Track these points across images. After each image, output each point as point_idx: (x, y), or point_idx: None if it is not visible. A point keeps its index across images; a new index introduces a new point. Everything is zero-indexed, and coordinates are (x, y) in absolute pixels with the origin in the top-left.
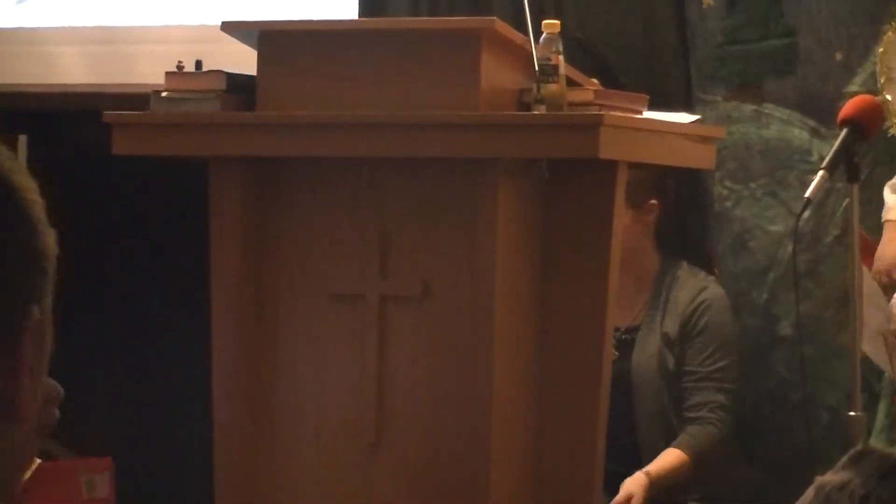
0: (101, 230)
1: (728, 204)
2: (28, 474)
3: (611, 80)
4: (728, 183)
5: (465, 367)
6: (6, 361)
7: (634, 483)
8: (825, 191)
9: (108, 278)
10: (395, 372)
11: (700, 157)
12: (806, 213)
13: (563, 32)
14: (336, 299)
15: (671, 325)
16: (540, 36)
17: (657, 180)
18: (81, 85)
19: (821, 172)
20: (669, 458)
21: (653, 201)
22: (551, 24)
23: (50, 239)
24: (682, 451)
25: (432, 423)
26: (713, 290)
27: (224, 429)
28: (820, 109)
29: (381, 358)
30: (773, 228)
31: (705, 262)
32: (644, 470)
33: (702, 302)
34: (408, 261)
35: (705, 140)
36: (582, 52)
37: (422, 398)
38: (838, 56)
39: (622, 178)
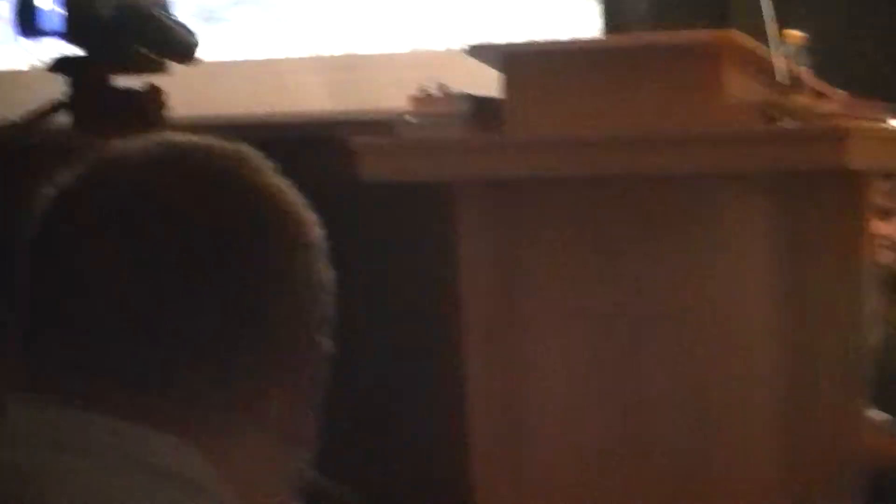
0: (344, 257)
1: None
2: None
3: (853, 89)
4: None
5: (715, 386)
6: (295, 394)
7: None
8: None
9: (353, 303)
10: (646, 391)
11: None
12: None
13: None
14: (585, 318)
15: None
16: (782, 46)
17: None
18: (324, 113)
19: None
20: None
21: None
22: (794, 35)
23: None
24: None
25: (685, 444)
26: None
27: (481, 453)
28: None
29: (632, 377)
30: None
31: None
32: None
33: None
34: (656, 279)
35: None
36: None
37: (673, 417)
38: None
39: (871, 189)
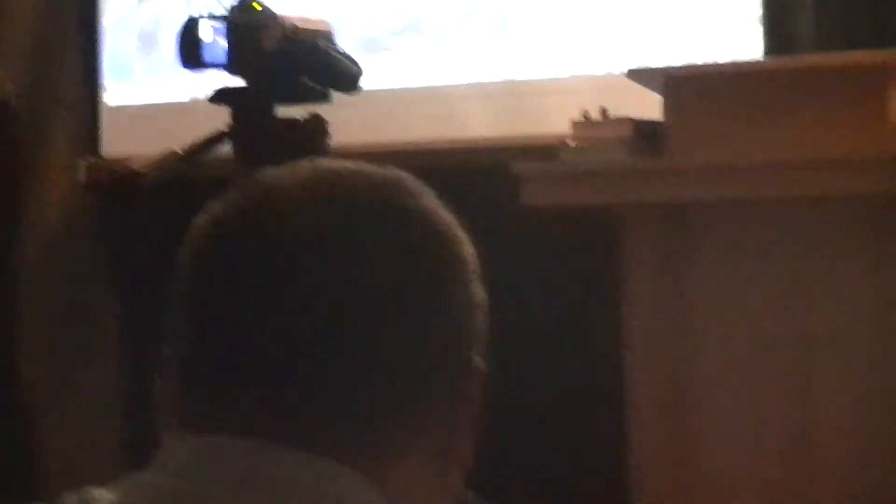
0: (506, 286)
1: None
2: None
3: None
4: None
5: (887, 408)
6: (456, 416)
7: None
8: None
9: (519, 337)
10: (820, 414)
11: None
12: None
13: None
14: (756, 342)
15: None
16: None
17: None
18: (486, 139)
19: None
20: None
21: None
22: None
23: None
24: None
25: (862, 469)
26: None
27: (646, 479)
28: None
29: (806, 401)
30: None
31: None
32: None
33: None
34: (825, 301)
35: None
36: None
37: (850, 442)
38: None
39: None
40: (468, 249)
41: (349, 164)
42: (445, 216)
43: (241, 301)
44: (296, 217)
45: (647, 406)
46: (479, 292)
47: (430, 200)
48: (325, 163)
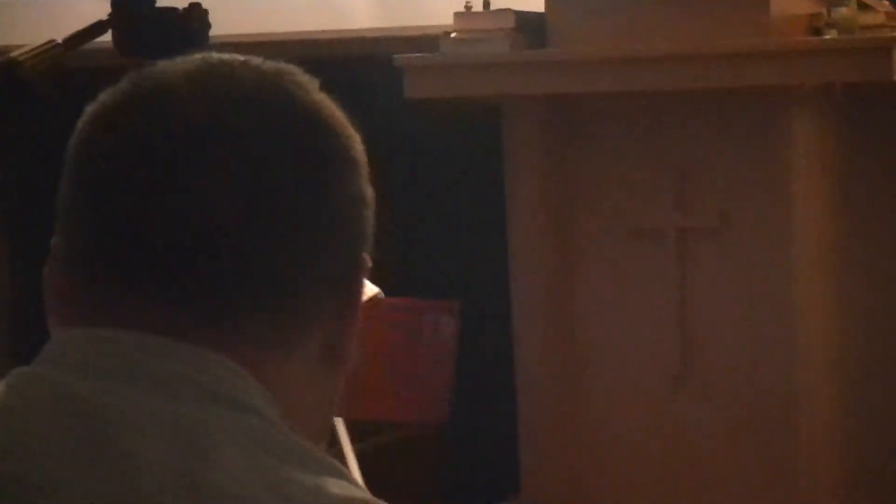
0: (390, 177)
1: None
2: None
3: None
4: None
5: (764, 297)
6: (341, 310)
7: None
8: None
9: (399, 222)
10: (696, 303)
11: None
12: None
13: None
14: (635, 233)
15: None
16: None
17: None
18: (369, 30)
19: None
20: None
21: None
22: None
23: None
24: None
25: (735, 353)
26: None
27: (526, 363)
28: None
29: (682, 290)
30: None
31: None
32: None
33: None
34: (704, 193)
35: None
36: None
37: (724, 328)
38: None
39: None
40: (358, 146)
41: (239, 57)
42: (336, 112)
43: (128, 192)
44: (185, 107)
45: (531, 294)
46: (368, 190)
47: (320, 95)
48: (216, 56)
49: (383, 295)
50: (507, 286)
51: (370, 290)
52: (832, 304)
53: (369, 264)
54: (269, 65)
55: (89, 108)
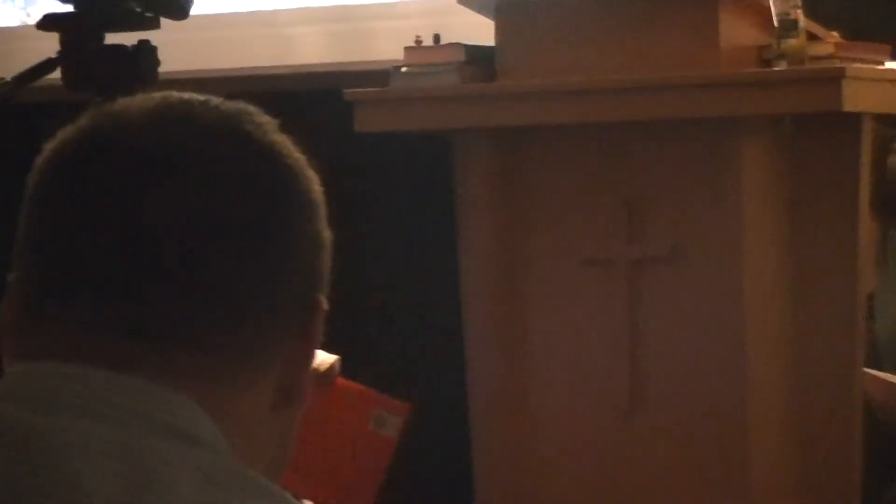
0: (346, 209)
1: None
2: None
3: (848, 30)
4: None
5: (716, 329)
6: (296, 352)
7: None
8: None
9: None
10: (647, 335)
11: None
12: None
13: None
14: (585, 264)
15: None
16: None
17: None
18: (320, 64)
19: None
20: None
21: None
22: None
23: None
24: None
25: (686, 386)
26: None
27: (478, 395)
28: None
29: (633, 321)
30: None
31: None
32: None
33: None
34: (655, 223)
35: None
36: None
37: (675, 361)
38: None
39: (867, 130)
40: (317, 188)
41: (198, 97)
42: (295, 153)
43: (85, 226)
44: (144, 143)
45: (481, 327)
46: (326, 232)
47: (279, 136)
48: (175, 95)
49: (338, 368)
50: (459, 314)
51: (327, 359)
52: (785, 333)
53: (325, 306)
54: (229, 104)
55: (48, 146)
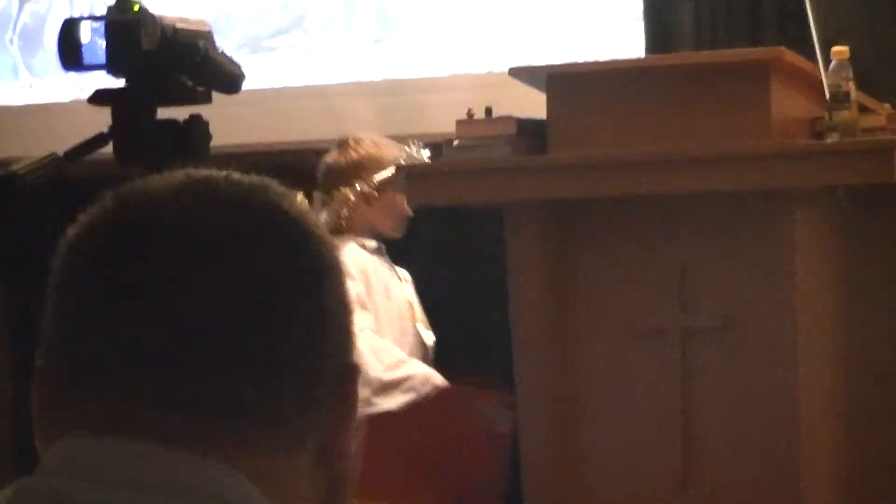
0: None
1: None
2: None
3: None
4: None
5: (770, 399)
6: (335, 415)
7: None
8: None
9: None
10: (700, 406)
11: None
12: None
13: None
14: (638, 335)
15: None
16: (828, 62)
17: None
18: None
19: None
20: None
21: None
22: (840, 51)
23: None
24: None
25: (740, 457)
26: None
27: (531, 465)
28: None
29: (685, 392)
30: None
31: None
32: None
33: None
34: (708, 294)
35: None
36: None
37: (728, 431)
38: None
39: None
40: (337, 254)
41: (219, 172)
42: (314, 219)
43: (115, 304)
44: (175, 224)
45: (534, 398)
46: (347, 296)
47: (298, 206)
48: (196, 171)
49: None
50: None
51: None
52: (838, 405)
53: (358, 367)
54: (252, 178)
55: (71, 230)
